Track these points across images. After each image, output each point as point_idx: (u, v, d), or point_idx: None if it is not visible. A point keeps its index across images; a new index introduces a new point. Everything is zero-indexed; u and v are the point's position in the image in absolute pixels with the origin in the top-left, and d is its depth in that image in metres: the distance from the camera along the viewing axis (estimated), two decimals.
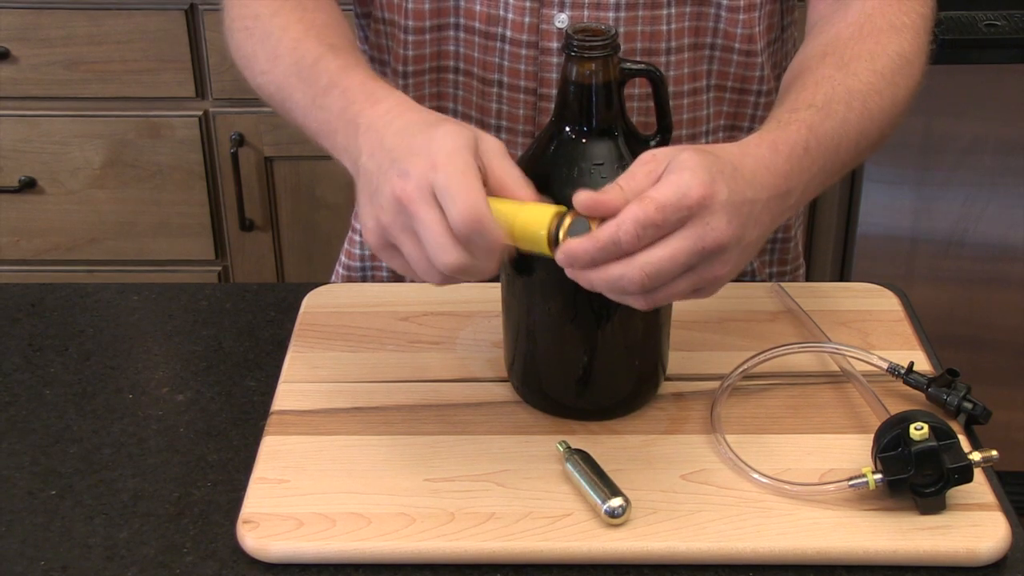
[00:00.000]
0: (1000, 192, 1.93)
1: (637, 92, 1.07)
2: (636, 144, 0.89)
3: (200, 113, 2.00)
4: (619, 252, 0.76)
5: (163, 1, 1.92)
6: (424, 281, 0.82)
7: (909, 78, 0.97)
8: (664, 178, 0.77)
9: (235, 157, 2.00)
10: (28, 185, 2.05)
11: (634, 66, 0.88)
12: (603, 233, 0.76)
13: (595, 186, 0.86)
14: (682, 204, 0.76)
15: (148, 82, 1.98)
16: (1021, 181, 1.92)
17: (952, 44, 1.79)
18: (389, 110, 0.86)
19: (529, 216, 0.80)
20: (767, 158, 0.83)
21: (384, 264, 1.21)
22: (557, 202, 0.87)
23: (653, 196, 0.76)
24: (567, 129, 0.87)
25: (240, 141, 2.00)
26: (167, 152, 2.02)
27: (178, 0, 1.92)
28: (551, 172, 0.87)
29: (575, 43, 0.85)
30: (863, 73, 0.93)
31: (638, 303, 0.79)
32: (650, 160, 0.79)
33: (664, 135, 0.92)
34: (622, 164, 0.87)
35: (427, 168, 0.78)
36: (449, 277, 0.80)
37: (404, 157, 0.80)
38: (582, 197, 0.78)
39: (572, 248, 0.77)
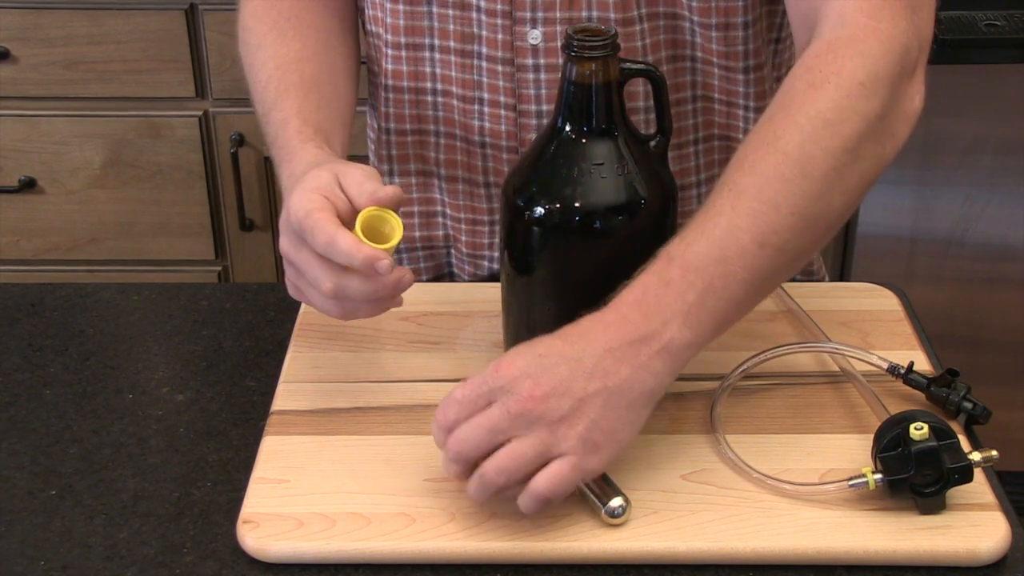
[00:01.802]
0: (1000, 192, 1.92)
1: (636, 92, 1.07)
2: (636, 144, 0.89)
3: (200, 113, 2.00)
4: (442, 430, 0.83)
5: (163, 1, 1.92)
6: (338, 317, 0.91)
7: (834, 137, 0.83)
8: None
9: (235, 157, 2.00)
10: (28, 185, 2.05)
11: (634, 66, 0.88)
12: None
13: (595, 186, 0.86)
14: (483, 382, 0.81)
15: (148, 82, 1.98)
16: (1021, 181, 1.92)
17: (952, 44, 1.78)
18: (291, 171, 0.95)
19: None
20: (600, 317, 0.82)
21: None
22: (556, 202, 0.87)
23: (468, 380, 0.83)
24: (567, 129, 0.87)
25: (240, 141, 2.00)
26: (167, 152, 2.02)
27: (178, 0, 1.92)
28: (551, 172, 0.87)
29: (575, 43, 0.85)
30: (765, 162, 0.83)
31: (524, 503, 0.81)
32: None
33: (664, 135, 0.92)
34: (622, 164, 0.87)
35: (286, 219, 0.88)
36: (346, 307, 0.88)
37: (282, 212, 0.90)
38: None
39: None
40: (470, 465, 0.81)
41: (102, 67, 1.97)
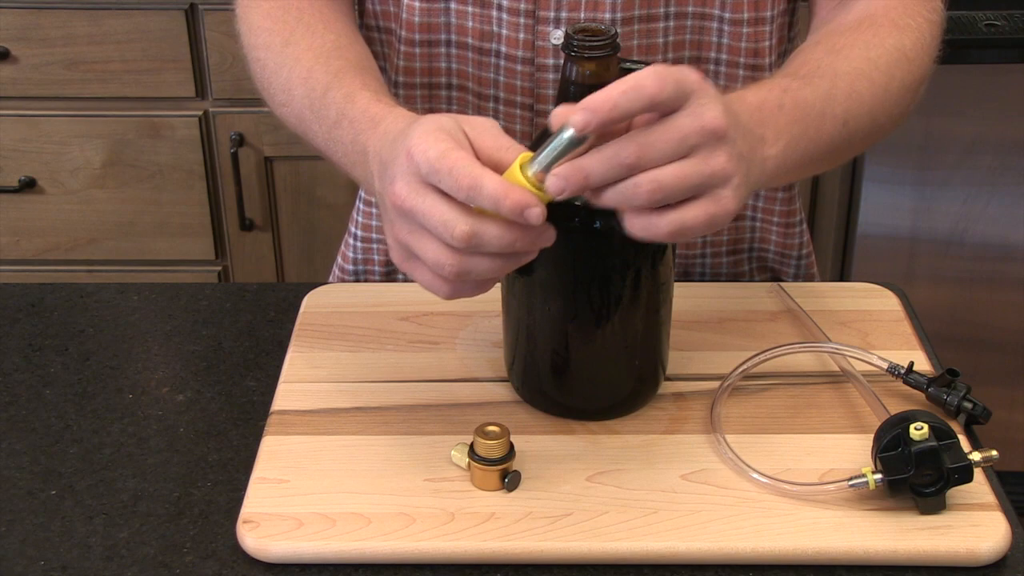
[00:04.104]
0: (1000, 192, 1.93)
1: None
2: None
3: (200, 113, 2.00)
4: (621, 116, 0.73)
5: (163, 1, 1.92)
6: (444, 292, 0.79)
7: (907, 73, 0.96)
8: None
9: (235, 157, 2.00)
10: (28, 185, 2.05)
11: (634, 66, 0.88)
12: (608, 96, 0.73)
13: None
14: (680, 80, 0.75)
15: (148, 82, 1.98)
16: (1021, 181, 1.92)
17: (952, 44, 1.77)
18: (387, 129, 0.84)
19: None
20: (735, 103, 0.82)
21: (375, 267, 1.21)
22: (558, 207, 0.87)
23: (659, 71, 0.75)
24: None
25: (240, 141, 2.00)
26: (167, 152, 2.02)
27: (178, 0, 1.92)
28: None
29: (575, 43, 0.85)
30: (854, 59, 0.94)
31: (659, 228, 0.76)
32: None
33: None
34: None
35: (406, 162, 0.76)
36: (465, 267, 0.76)
37: (389, 164, 0.79)
38: (570, 114, 0.74)
39: (590, 108, 0.73)
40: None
41: (102, 67, 1.97)
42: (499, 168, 0.76)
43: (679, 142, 0.75)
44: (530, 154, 0.76)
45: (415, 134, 0.77)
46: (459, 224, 0.74)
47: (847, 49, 0.94)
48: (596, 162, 0.74)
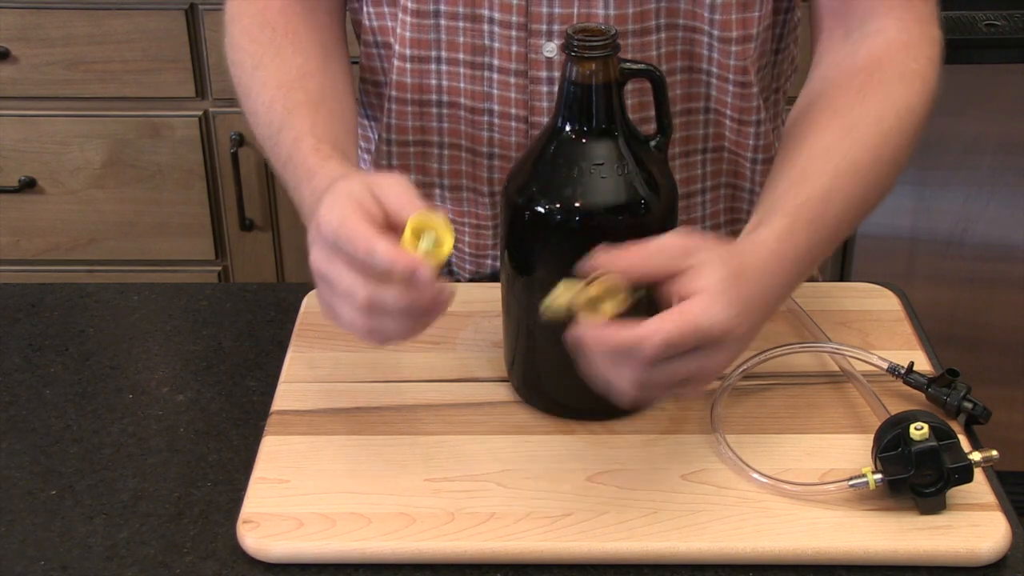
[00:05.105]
0: (1000, 192, 1.93)
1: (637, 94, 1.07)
2: (636, 144, 0.89)
3: (200, 113, 2.00)
4: (633, 356, 0.78)
5: (163, 1, 1.92)
6: (371, 344, 0.84)
7: (912, 134, 0.97)
8: (697, 298, 0.78)
9: (235, 157, 2.00)
10: (28, 185, 2.05)
11: (634, 66, 0.88)
12: (629, 336, 0.77)
13: (595, 186, 0.86)
14: (707, 335, 0.78)
15: (148, 82, 1.98)
16: (1021, 181, 1.92)
17: (952, 44, 1.77)
18: (315, 187, 0.90)
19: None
20: (778, 271, 0.85)
21: None
22: (556, 202, 0.87)
23: (689, 320, 0.78)
24: (567, 129, 0.87)
25: (240, 141, 2.00)
26: (167, 152, 2.02)
27: (178, 0, 1.92)
28: (551, 172, 0.87)
29: (575, 43, 0.85)
30: (869, 138, 0.93)
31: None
32: (679, 250, 0.81)
33: (664, 135, 0.92)
34: (622, 164, 0.87)
35: (315, 230, 0.83)
36: (375, 323, 0.82)
37: (309, 227, 0.85)
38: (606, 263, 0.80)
39: (591, 337, 0.79)
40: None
41: (102, 67, 1.97)
42: (403, 225, 0.81)
43: (675, 382, 0.80)
44: (421, 216, 0.80)
45: (323, 203, 0.83)
46: (360, 291, 0.80)
47: (859, 127, 0.94)
48: (598, 369, 0.81)
